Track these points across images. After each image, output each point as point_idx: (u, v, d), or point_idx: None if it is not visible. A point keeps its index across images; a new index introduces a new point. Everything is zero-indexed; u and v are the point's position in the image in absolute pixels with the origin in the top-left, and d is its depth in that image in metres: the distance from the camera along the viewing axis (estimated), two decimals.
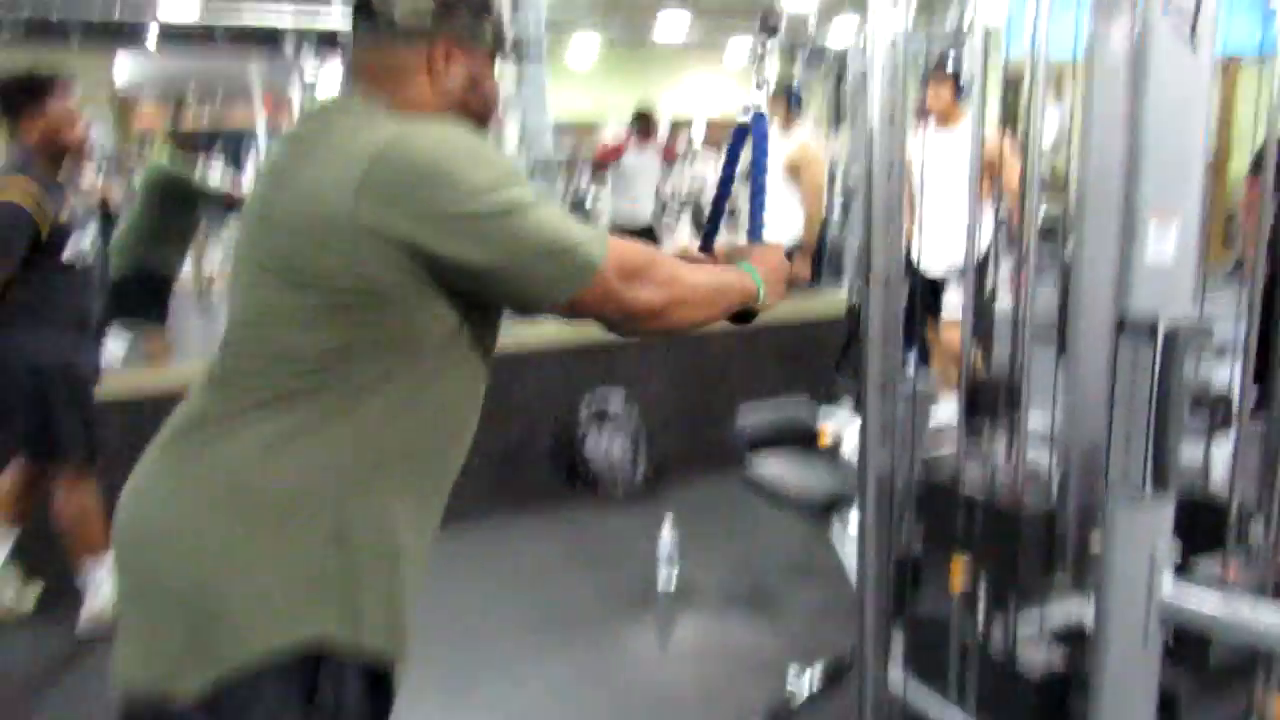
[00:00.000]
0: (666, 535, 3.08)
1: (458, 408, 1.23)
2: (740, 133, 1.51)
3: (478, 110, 1.24)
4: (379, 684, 1.20)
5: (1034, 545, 1.68)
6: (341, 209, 1.05)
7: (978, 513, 1.73)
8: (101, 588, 2.80)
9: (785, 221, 4.60)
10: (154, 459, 1.17)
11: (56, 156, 2.71)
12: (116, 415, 2.95)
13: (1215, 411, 1.82)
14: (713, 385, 4.16)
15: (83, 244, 2.73)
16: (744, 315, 1.36)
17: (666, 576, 3.06)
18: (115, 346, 4.33)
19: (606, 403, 3.93)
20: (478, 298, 1.15)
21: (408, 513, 1.19)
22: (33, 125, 2.64)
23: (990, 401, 1.86)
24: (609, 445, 3.81)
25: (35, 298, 2.65)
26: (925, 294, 3.81)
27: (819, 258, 5.12)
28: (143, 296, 4.74)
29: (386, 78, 1.18)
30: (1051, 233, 2.15)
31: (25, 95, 2.64)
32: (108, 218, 5.34)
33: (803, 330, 4.39)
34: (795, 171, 4.65)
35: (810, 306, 4.52)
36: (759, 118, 1.49)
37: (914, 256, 3.37)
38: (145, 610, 1.12)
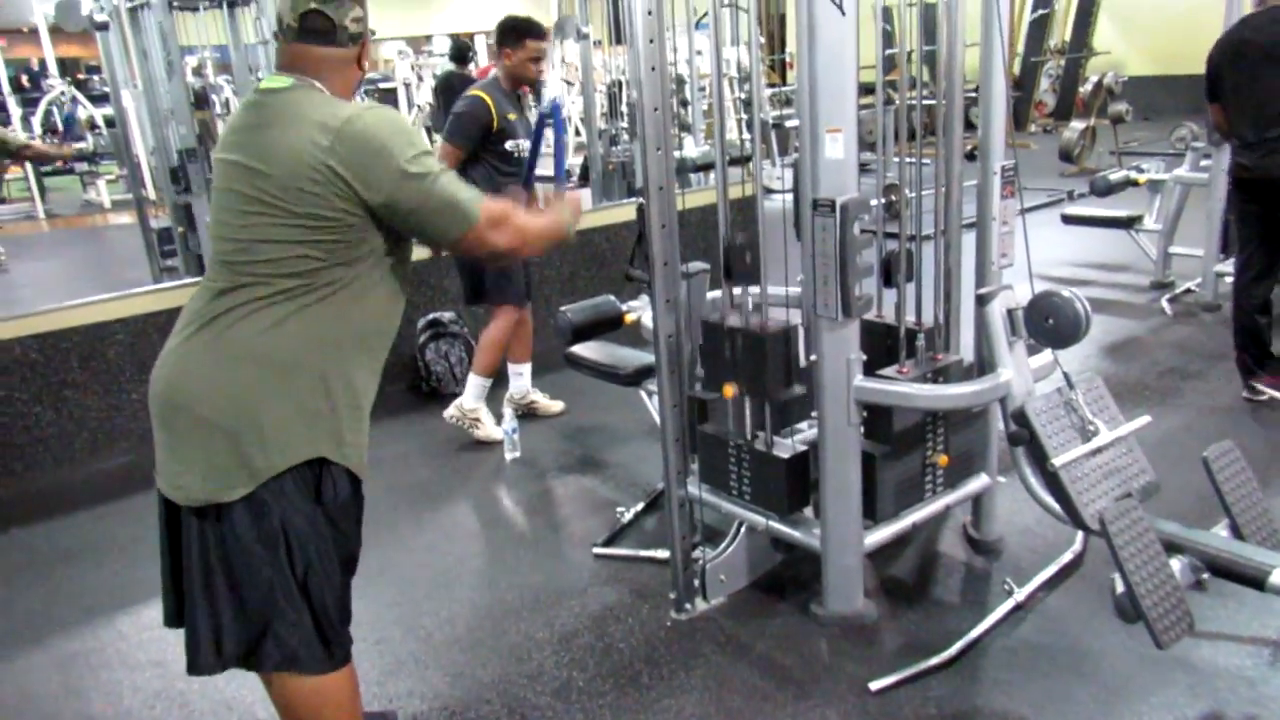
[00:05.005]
0: (508, 416, 3.70)
1: (393, 305, 1.78)
2: (542, 117, 2.21)
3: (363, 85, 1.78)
4: (358, 487, 1.77)
5: (776, 358, 2.38)
6: (320, 162, 1.56)
7: (738, 339, 2.42)
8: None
9: None
10: (182, 346, 1.66)
11: (518, 81, 3.77)
12: None
13: (894, 266, 2.58)
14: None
15: (521, 143, 3.72)
16: None
17: (512, 450, 3.69)
18: None
19: (440, 318, 4.46)
20: (397, 231, 1.69)
21: (364, 376, 1.75)
22: (511, 54, 3.69)
23: (744, 268, 2.54)
24: (447, 351, 4.36)
25: (479, 176, 3.60)
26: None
27: None
28: None
29: (329, 67, 1.69)
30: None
31: (513, 32, 3.68)
32: None
33: (606, 234, 5.07)
34: None
35: (611, 216, 5.20)
36: (556, 106, 2.18)
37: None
38: (198, 445, 1.62)
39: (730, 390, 2.50)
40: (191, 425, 1.63)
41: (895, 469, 2.47)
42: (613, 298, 3.26)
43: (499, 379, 3.95)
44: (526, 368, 4.04)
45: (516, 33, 3.67)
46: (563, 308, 3.21)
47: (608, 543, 3.00)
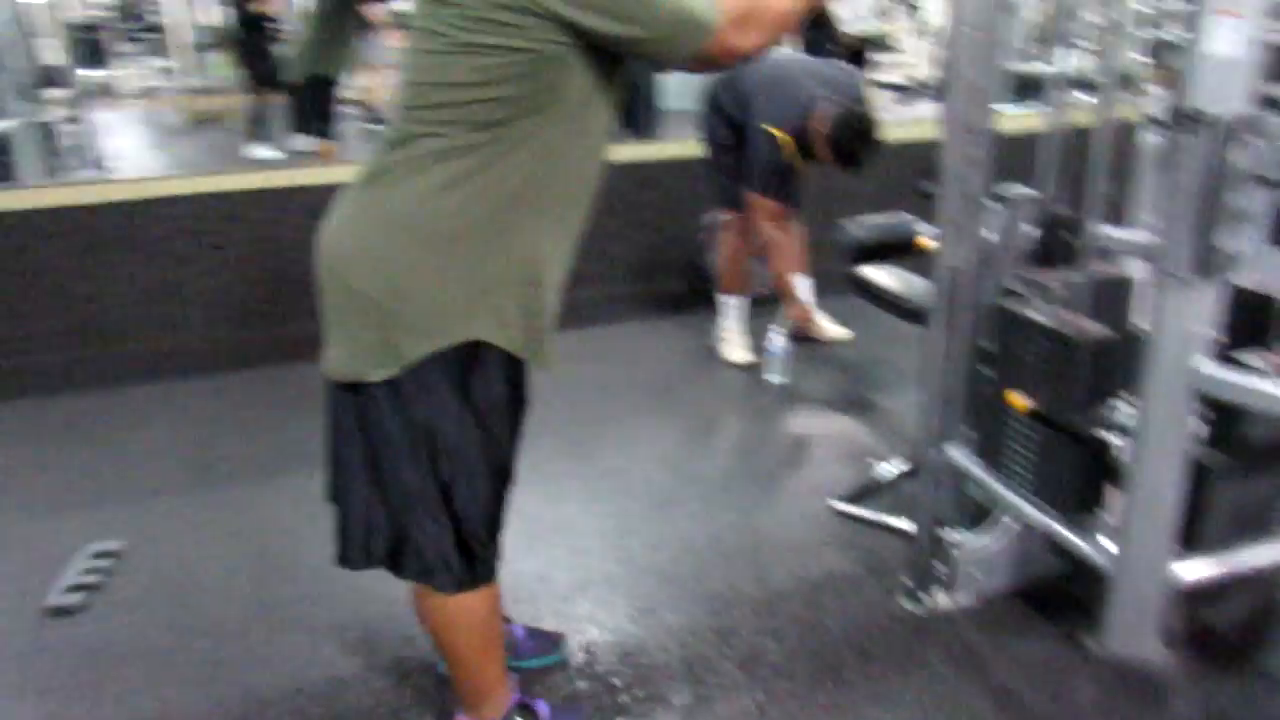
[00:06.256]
0: (776, 336, 3.33)
1: (587, 166, 1.48)
2: None
3: None
4: (518, 388, 1.53)
5: (1083, 371, 1.83)
6: None
7: (1037, 336, 1.89)
8: None
9: None
10: (347, 202, 1.47)
11: None
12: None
13: None
14: (826, 204, 4.30)
15: None
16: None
17: (775, 373, 3.34)
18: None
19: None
20: (621, 58, 1.38)
21: (546, 249, 1.46)
22: None
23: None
24: None
25: None
26: None
27: None
28: (312, 103, 5.22)
29: None
30: None
31: None
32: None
33: (916, 149, 4.45)
34: None
35: (922, 130, 4.55)
36: None
37: None
38: (347, 318, 1.44)
39: (1019, 402, 1.96)
40: (342, 294, 1.45)
41: (1237, 490, 1.84)
42: (910, 217, 2.75)
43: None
44: (803, 282, 3.63)
45: (848, 155, 3.16)
46: (845, 221, 2.76)
47: (852, 499, 2.59)
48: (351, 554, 1.57)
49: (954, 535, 2.22)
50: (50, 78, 6.29)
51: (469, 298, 1.41)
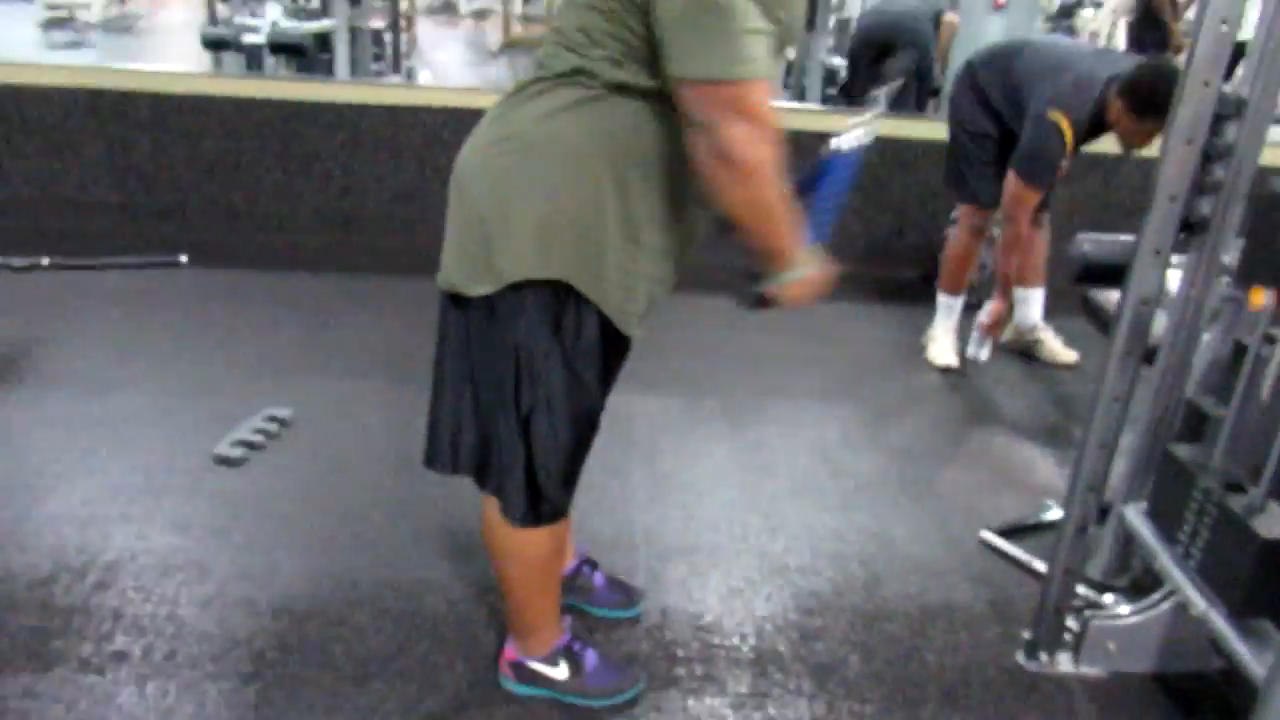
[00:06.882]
0: (977, 332, 3.04)
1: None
2: (821, 164, 1.57)
3: None
4: (616, 338, 1.49)
5: None
6: None
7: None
8: None
9: None
10: (487, 119, 1.49)
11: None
12: None
13: None
14: (1094, 214, 3.89)
15: None
16: (760, 300, 1.49)
17: (976, 347, 3.07)
18: None
19: None
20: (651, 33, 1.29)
21: (645, 209, 1.42)
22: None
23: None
24: None
25: None
26: None
27: None
28: None
29: None
30: None
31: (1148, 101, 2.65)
32: None
33: None
34: None
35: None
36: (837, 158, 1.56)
37: None
38: (460, 231, 1.47)
39: (1259, 297, 1.61)
40: (459, 204, 1.48)
41: None
42: None
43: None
44: (1037, 294, 3.28)
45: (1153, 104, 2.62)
46: (1081, 235, 2.46)
47: (1006, 533, 2.34)
48: (437, 456, 1.62)
49: (1093, 595, 1.96)
50: None
51: (569, 233, 1.39)
